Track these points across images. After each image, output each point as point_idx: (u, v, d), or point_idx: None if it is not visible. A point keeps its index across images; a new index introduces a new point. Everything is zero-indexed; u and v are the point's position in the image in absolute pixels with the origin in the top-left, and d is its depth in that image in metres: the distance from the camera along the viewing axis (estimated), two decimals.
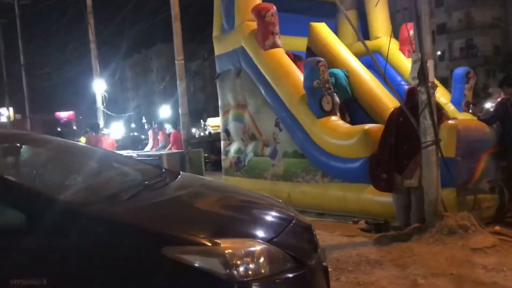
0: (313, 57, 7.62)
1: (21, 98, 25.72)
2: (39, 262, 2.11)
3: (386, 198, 5.89)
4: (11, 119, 27.08)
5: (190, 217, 2.50)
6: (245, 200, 3.04)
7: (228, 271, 2.10)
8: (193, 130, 19.13)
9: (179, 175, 3.24)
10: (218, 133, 12.42)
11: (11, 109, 27.93)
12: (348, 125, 7.05)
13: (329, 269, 2.68)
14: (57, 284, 2.07)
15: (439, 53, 39.68)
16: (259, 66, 8.11)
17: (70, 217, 2.18)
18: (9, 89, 24.74)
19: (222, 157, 9.72)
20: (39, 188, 2.51)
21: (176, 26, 10.10)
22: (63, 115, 35.92)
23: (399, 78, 8.56)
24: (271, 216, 2.76)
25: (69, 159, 3.36)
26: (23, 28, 21.74)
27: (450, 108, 7.97)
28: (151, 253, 2.09)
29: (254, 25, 8.23)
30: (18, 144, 3.11)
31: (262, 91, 8.16)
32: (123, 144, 20.22)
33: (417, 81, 5.09)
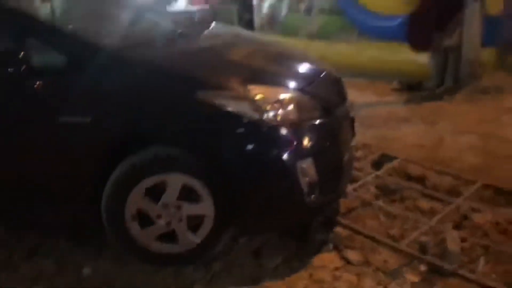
0: None
1: None
2: (83, 101, 2.25)
3: (423, 58, 5.75)
4: None
5: (222, 65, 2.56)
6: (278, 52, 3.07)
7: (258, 115, 2.20)
8: None
9: (212, 24, 3.24)
10: None
11: None
12: None
13: (356, 124, 2.78)
14: (99, 122, 2.21)
15: None
16: None
17: (111, 60, 2.27)
18: None
19: (255, 13, 9.40)
20: (78, 32, 2.54)
21: None
22: None
23: None
24: (302, 68, 2.81)
25: (111, 8, 3.34)
26: None
27: None
28: (185, 95, 2.21)
29: None
30: None
31: None
32: None
33: None
